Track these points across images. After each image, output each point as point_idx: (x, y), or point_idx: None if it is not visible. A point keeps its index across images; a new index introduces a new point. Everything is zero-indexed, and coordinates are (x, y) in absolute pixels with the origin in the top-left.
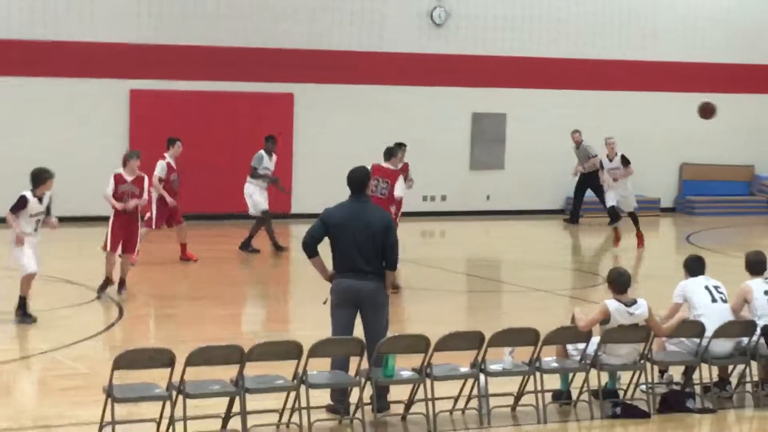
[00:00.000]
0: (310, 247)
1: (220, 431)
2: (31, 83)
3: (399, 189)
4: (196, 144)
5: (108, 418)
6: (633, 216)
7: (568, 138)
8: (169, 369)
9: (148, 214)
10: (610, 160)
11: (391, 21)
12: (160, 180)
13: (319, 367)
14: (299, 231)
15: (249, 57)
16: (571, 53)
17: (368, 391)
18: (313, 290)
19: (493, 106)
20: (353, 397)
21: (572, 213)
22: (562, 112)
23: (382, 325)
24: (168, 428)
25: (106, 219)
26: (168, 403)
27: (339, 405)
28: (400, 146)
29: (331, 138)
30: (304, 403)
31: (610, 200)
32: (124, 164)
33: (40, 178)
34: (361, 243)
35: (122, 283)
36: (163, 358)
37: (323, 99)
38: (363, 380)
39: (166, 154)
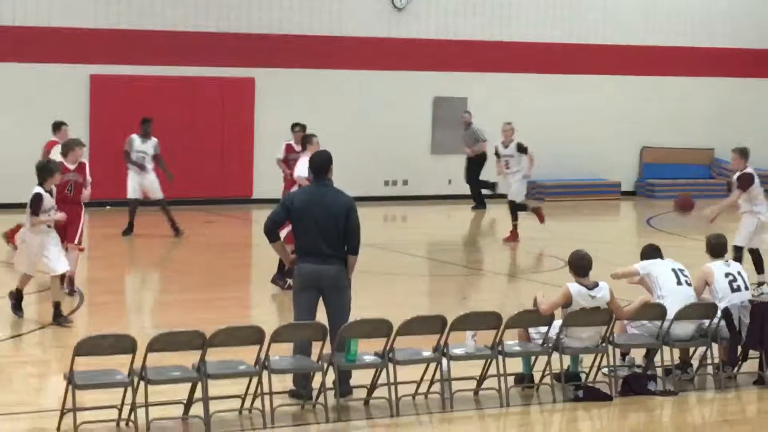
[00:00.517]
0: (271, 232)
1: (183, 417)
2: None
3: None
4: (157, 129)
5: (69, 404)
6: (514, 206)
7: (529, 122)
8: (130, 355)
9: None
10: (505, 147)
11: (352, 5)
12: None
13: (282, 352)
14: (261, 216)
15: (210, 42)
16: (533, 37)
17: (331, 376)
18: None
19: (454, 90)
20: (316, 382)
21: (475, 199)
22: (523, 95)
23: (344, 309)
24: (130, 414)
25: None
26: (130, 390)
27: (302, 390)
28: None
29: (293, 122)
30: (266, 389)
31: (511, 194)
32: (65, 154)
33: (49, 170)
34: (323, 227)
35: (71, 280)
36: (124, 344)
37: (285, 84)
38: (325, 365)
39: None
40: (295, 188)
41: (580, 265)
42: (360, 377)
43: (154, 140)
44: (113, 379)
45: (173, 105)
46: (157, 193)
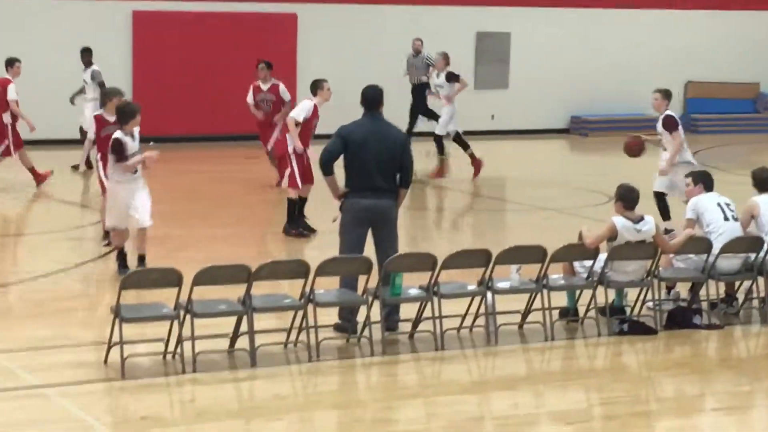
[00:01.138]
0: (327, 164)
1: (228, 350)
2: (33, 5)
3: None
4: (199, 65)
5: (116, 338)
6: (439, 140)
7: (573, 57)
8: (176, 289)
9: (6, 142)
10: (437, 76)
11: None
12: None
13: (327, 286)
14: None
15: None
16: None
17: (376, 309)
18: (317, 209)
19: (497, 25)
20: (361, 316)
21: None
22: (566, 30)
23: (394, 243)
24: (176, 347)
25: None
26: (176, 323)
27: (347, 324)
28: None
29: (335, 58)
30: (311, 323)
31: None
32: (104, 103)
33: (130, 112)
34: (381, 160)
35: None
36: (170, 278)
37: (326, 19)
38: (371, 299)
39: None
40: (275, 133)
41: (628, 198)
42: (405, 311)
43: (88, 71)
44: (160, 312)
45: (215, 41)
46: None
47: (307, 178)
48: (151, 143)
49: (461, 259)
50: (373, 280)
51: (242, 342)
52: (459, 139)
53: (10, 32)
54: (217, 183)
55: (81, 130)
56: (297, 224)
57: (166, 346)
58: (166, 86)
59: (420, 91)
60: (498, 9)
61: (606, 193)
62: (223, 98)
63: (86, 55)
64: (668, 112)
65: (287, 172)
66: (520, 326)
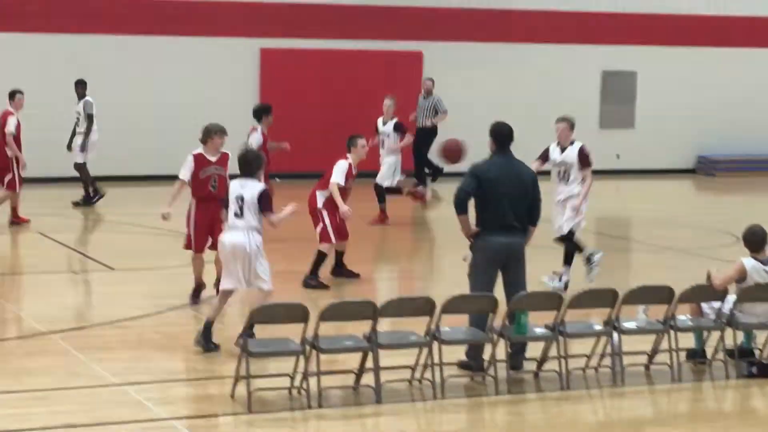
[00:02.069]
0: (462, 204)
1: (354, 386)
2: (163, 42)
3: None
4: (324, 102)
5: (243, 371)
6: (380, 190)
7: (700, 96)
8: (303, 324)
9: (9, 176)
10: (384, 124)
11: None
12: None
13: (453, 323)
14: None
15: (378, 15)
16: (703, 9)
17: (502, 348)
18: (445, 247)
19: (623, 64)
20: (487, 354)
21: (433, 170)
22: (694, 69)
23: (522, 281)
24: (302, 382)
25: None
26: (302, 358)
27: (472, 361)
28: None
29: (460, 96)
30: (437, 360)
31: (379, 176)
32: (204, 141)
33: (263, 161)
34: (514, 198)
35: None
36: (297, 313)
37: (452, 57)
38: (496, 337)
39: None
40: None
41: (753, 240)
42: (530, 350)
43: (80, 103)
44: (286, 347)
45: (341, 78)
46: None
47: (342, 234)
48: (277, 180)
49: (587, 299)
50: (500, 318)
51: (368, 378)
52: (381, 191)
53: (142, 68)
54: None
55: (76, 164)
56: (338, 272)
57: (292, 381)
58: (293, 122)
59: (426, 135)
60: (624, 48)
61: (734, 234)
62: (348, 134)
63: (80, 87)
64: (581, 144)
65: (319, 227)
66: (647, 367)
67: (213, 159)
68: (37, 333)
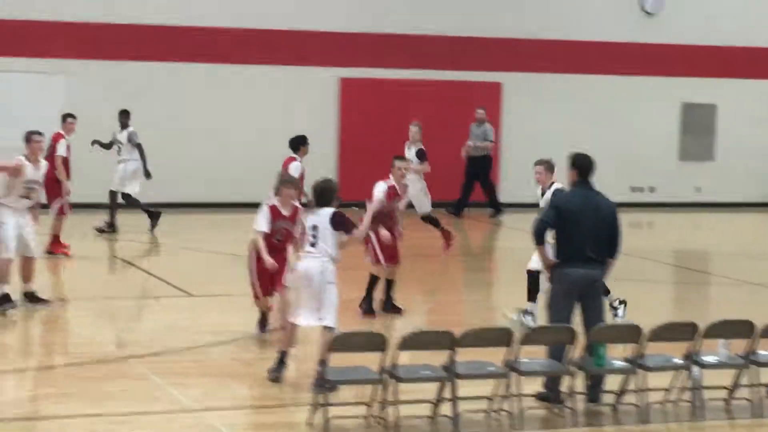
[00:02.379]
0: (540, 235)
1: (431, 416)
2: (243, 70)
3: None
4: (402, 132)
5: (320, 399)
6: (429, 219)
7: None
8: (381, 353)
9: (59, 201)
10: (408, 149)
11: (600, 10)
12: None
13: (531, 354)
14: (506, 219)
15: (457, 46)
16: None
17: (581, 380)
18: (520, 278)
19: (703, 97)
20: (566, 386)
21: (458, 202)
22: None
23: (601, 313)
24: (380, 411)
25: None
26: (380, 387)
27: (551, 393)
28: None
29: (539, 127)
30: (515, 391)
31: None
32: (278, 192)
33: (336, 191)
34: (593, 230)
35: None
36: (375, 342)
37: (531, 88)
38: (574, 369)
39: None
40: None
41: None
42: (609, 382)
43: (124, 132)
44: (364, 375)
45: (420, 108)
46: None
47: (392, 258)
48: (356, 209)
49: (667, 332)
50: (578, 350)
51: (445, 408)
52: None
53: (222, 95)
54: (416, 247)
55: (111, 192)
56: (382, 303)
57: (370, 409)
58: (371, 151)
59: (479, 163)
60: (704, 80)
61: None
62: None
63: (124, 116)
64: (558, 185)
65: (369, 250)
66: (727, 402)
67: (286, 213)
68: (116, 357)
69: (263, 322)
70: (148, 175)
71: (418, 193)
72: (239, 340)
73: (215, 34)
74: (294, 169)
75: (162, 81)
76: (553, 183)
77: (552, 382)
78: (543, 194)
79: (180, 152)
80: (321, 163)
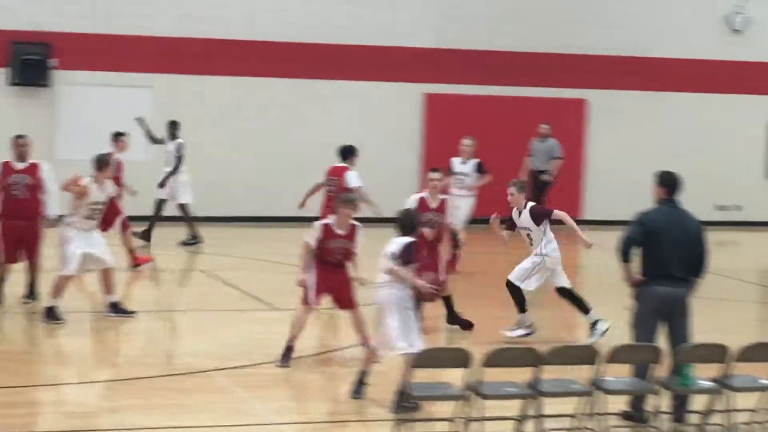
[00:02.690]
0: (627, 252)
1: None
2: (328, 85)
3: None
4: (486, 148)
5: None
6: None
7: None
8: (464, 369)
9: (120, 217)
10: (462, 163)
11: (686, 27)
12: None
13: (615, 373)
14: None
15: (541, 62)
16: None
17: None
18: (603, 296)
19: None
20: (651, 405)
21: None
22: None
23: (687, 332)
24: (464, 428)
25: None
26: (463, 403)
27: (635, 412)
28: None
29: (623, 144)
30: (599, 409)
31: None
32: (336, 210)
33: (419, 221)
34: (679, 249)
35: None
36: (460, 358)
37: (616, 105)
38: (659, 388)
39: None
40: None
41: None
42: (694, 402)
43: (172, 144)
44: (449, 392)
45: (503, 124)
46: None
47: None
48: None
49: (754, 352)
50: (664, 369)
51: (528, 426)
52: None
53: (307, 109)
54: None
55: (180, 206)
56: (451, 320)
57: (454, 425)
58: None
59: (539, 179)
60: None
61: None
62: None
63: (173, 127)
64: (531, 204)
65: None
66: None
67: (341, 232)
68: (198, 370)
69: (288, 354)
70: (162, 185)
71: (468, 206)
72: (322, 355)
73: (301, 49)
74: (354, 179)
75: (248, 95)
76: (527, 203)
77: (637, 401)
78: (520, 215)
79: (264, 166)
80: (405, 178)
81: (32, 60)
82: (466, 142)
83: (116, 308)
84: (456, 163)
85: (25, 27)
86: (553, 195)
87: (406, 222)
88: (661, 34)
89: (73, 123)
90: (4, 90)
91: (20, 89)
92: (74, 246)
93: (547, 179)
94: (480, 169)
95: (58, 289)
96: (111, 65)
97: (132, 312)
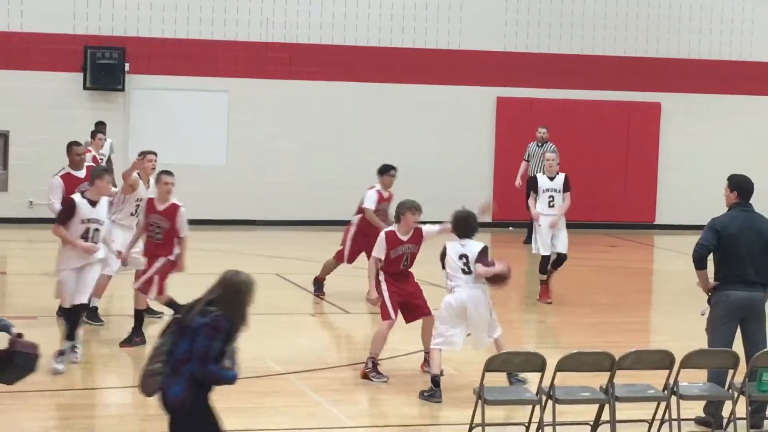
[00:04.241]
0: (702, 259)
1: None
2: (401, 90)
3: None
4: (560, 152)
5: (478, 419)
6: (559, 259)
7: None
8: (539, 373)
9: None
10: (551, 179)
11: (762, 29)
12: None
13: (690, 378)
14: (662, 241)
15: (616, 66)
16: None
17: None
18: (679, 301)
19: None
20: (727, 411)
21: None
22: None
23: (764, 336)
24: None
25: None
26: (538, 408)
27: (711, 418)
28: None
29: (698, 148)
30: (675, 415)
31: (542, 242)
32: (398, 218)
33: (477, 226)
34: (754, 253)
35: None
36: (534, 362)
37: (691, 109)
38: (736, 394)
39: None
40: None
41: None
42: None
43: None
44: (522, 396)
45: (577, 128)
46: None
47: None
48: (510, 228)
49: None
50: (741, 374)
51: (603, 431)
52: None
53: (379, 113)
54: (577, 270)
55: None
56: None
57: (527, 430)
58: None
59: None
60: None
61: None
62: (585, 185)
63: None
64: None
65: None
66: None
67: (405, 238)
68: (274, 373)
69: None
70: None
71: (562, 229)
72: (396, 358)
73: (375, 54)
74: (368, 199)
75: (323, 100)
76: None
77: (713, 407)
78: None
79: (336, 168)
80: (477, 182)
81: (107, 64)
82: (551, 156)
83: (94, 314)
84: (541, 180)
85: (99, 32)
86: (628, 199)
87: (462, 222)
88: (736, 37)
89: (147, 127)
90: (79, 94)
91: (95, 93)
92: (116, 245)
93: None
94: (567, 185)
95: (100, 289)
96: (186, 70)
97: (101, 321)
